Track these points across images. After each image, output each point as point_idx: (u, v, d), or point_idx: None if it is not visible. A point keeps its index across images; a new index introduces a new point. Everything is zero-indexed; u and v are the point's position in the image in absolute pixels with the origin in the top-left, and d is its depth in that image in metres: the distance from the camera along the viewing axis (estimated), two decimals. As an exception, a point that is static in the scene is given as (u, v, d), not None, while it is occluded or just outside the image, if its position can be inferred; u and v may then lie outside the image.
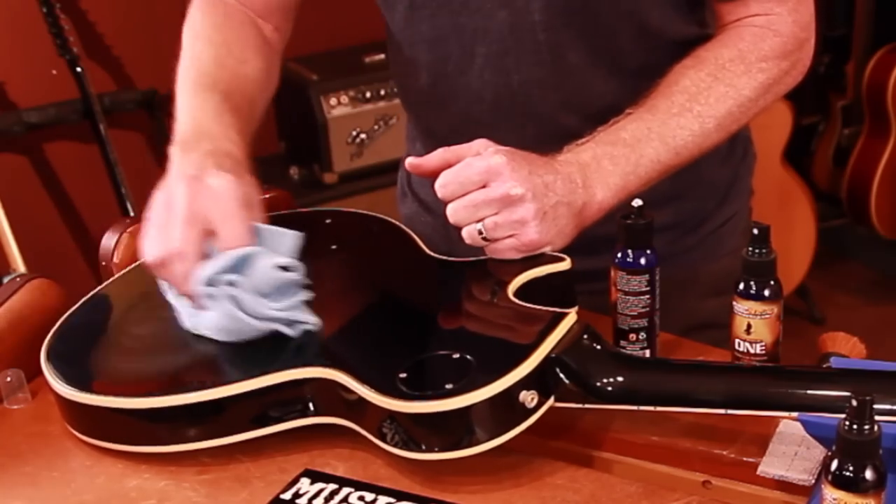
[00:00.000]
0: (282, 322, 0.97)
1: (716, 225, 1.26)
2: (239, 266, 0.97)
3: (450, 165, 1.00)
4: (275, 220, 1.22)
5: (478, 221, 0.99)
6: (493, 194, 0.98)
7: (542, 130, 1.16)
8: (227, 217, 0.97)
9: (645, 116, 1.06)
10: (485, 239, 1.00)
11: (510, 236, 1.00)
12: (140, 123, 2.73)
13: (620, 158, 1.04)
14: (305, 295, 0.99)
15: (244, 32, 1.20)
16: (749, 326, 0.97)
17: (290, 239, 1.01)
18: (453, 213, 1.00)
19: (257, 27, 1.23)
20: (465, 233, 1.01)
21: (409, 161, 1.05)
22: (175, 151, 1.03)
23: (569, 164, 1.03)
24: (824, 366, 0.94)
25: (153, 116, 2.69)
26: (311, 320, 0.98)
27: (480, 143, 1.01)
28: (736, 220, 1.28)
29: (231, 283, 0.96)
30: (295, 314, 0.98)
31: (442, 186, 1.00)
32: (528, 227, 0.99)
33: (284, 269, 0.98)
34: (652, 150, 1.05)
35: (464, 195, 0.99)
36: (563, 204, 1.00)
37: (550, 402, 0.92)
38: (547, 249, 1.02)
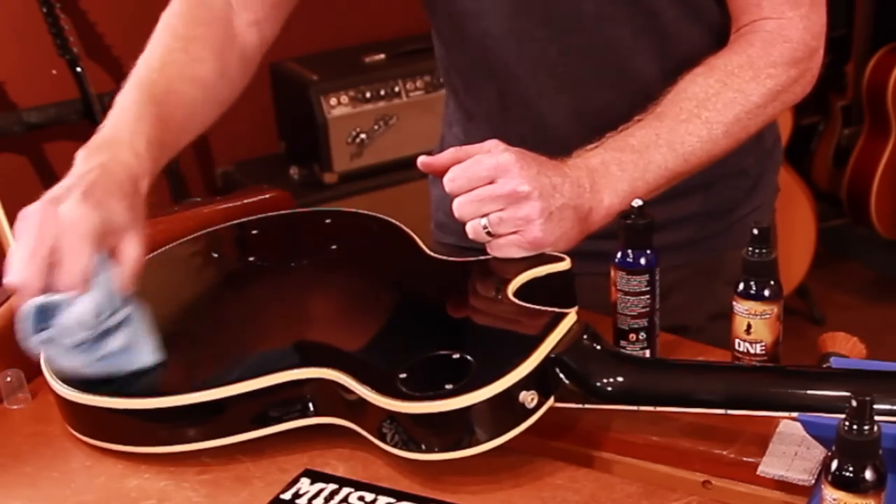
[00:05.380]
0: (105, 367, 0.95)
1: (743, 213, 1.28)
2: (51, 313, 0.94)
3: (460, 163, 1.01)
4: (275, 220, 1.22)
5: (483, 216, 1.00)
6: (500, 190, 0.98)
7: (578, 104, 1.16)
8: (69, 252, 0.93)
9: (653, 123, 1.07)
10: (489, 234, 1.01)
11: (514, 233, 1.00)
12: (140, 123, 2.72)
13: (628, 164, 1.04)
14: (133, 333, 0.97)
15: (211, 30, 1.18)
16: (749, 326, 0.97)
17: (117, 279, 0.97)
18: (459, 206, 1.00)
19: (228, 24, 1.20)
20: (469, 227, 1.01)
21: (421, 160, 1.05)
22: (78, 155, 1.03)
23: (577, 168, 1.03)
24: (824, 366, 0.94)
25: (153, 116, 2.68)
26: (144, 360, 0.96)
27: (492, 143, 1.01)
28: (761, 211, 1.31)
29: (44, 331, 0.94)
30: (115, 360, 0.96)
31: (450, 181, 1.00)
32: (532, 224, 0.99)
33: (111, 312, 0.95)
34: (660, 157, 1.05)
35: (471, 190, 0.99)
36: (569, 207, 1.01)
37: (550, 402, 0.92)
38: (548, 250, 1.02)
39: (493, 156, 0.99)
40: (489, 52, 1.19)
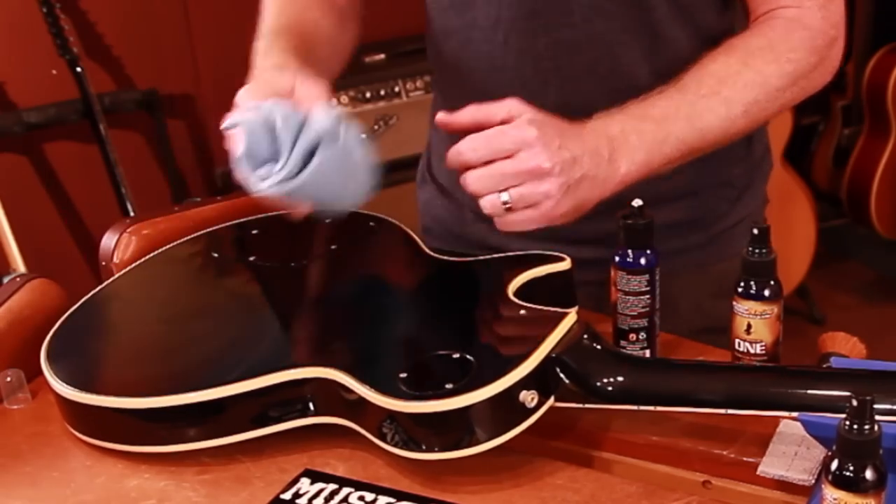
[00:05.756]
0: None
1: (728, 225, 1.26)
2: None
3: (479, 124, 1.00)
4: (275, 220, 1.22)
5: (503, 191, 0.98)
6: (523, 166, 0.97)
7: (562, 100, 1.16)
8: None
9: (675, 95, 1.06)
10: (508, 210, 0.99)
11: (529, 207, 0.99)
12: (140, 123, 2.72)
13: (647, 134, 1.03)
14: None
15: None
16: (749, 326, 0.97)
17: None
18: (477, 180, 0.98)
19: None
20: (486, 201, 0.99)
21: (440, 117, 1.04)
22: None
23: (597, 135, 1.02)
24: (824, 366, 0.94)
25: (153, 116, 2.69)
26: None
27: (512, 105, 1.00)
28: (748, 222, 1.27)
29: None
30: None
31: (472, 150, 0.98)
32: (550, 200, 0.98)
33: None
34: (678, 130, 1.05)
35: (490, 162, 0.98)
36: (587, 178, 1.00)
37: (550, 402, 0.92)
38: (563, 221, 1.01)
39: (517, 129, 0.98)
40: (475, 44, 1.18)
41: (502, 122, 0.99)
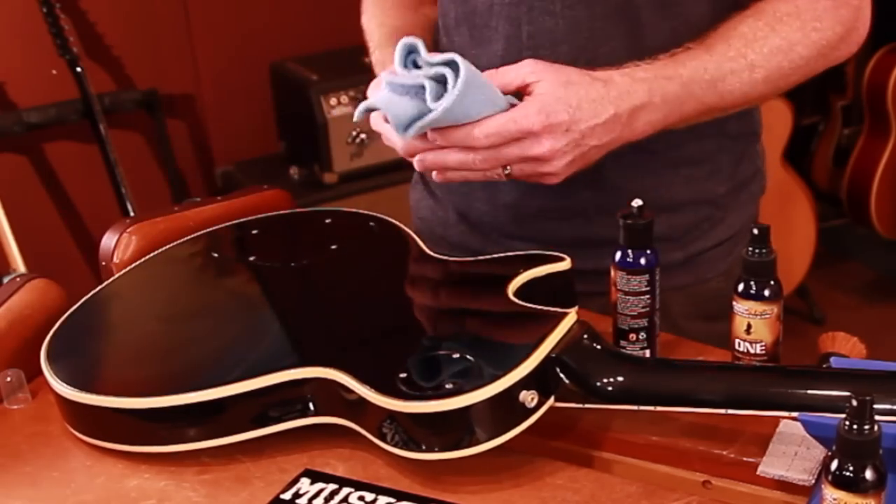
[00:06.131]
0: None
1: (707, 246, 1.22)
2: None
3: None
4: (275, 220, 1.22)
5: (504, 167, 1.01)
6: (528, 153, 1.00)
7: None
8: None
9: (703, 56, 1.06)
10: (507, 175, 1.02)
11: (529, 176, 1.02)
12: (140, 123, 2.73)
13: (671, 96, 1.04)
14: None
15: None
16: (749, 326, 0.97)
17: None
18: (483, 162, 1.00)
19: None
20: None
21: None
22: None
23: (621, 103, 1.02)
24: (824, 366, 0.94)
25: (153, 116, 2.69)
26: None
27: (527, 72, 1.01)
28: (730, 244, 1.24)
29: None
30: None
31: (485, 136, 0.99)
32: (554, 175, 1.02)
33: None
34: (700, 91, 1.05)
35: (500, 146, 0.99)
36: (596, 147, 1.02)
37: (550, 402, 0.92)
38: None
39: (526, 119, 0.98)
40: (478, 30, 1.18)
41: (518, 90, 1.01)
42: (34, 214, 2.61)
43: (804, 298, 3.03)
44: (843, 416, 0.76)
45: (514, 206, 1.20)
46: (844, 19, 1.10)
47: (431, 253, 1.11)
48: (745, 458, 0.91)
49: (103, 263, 1.17)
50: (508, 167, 1.01)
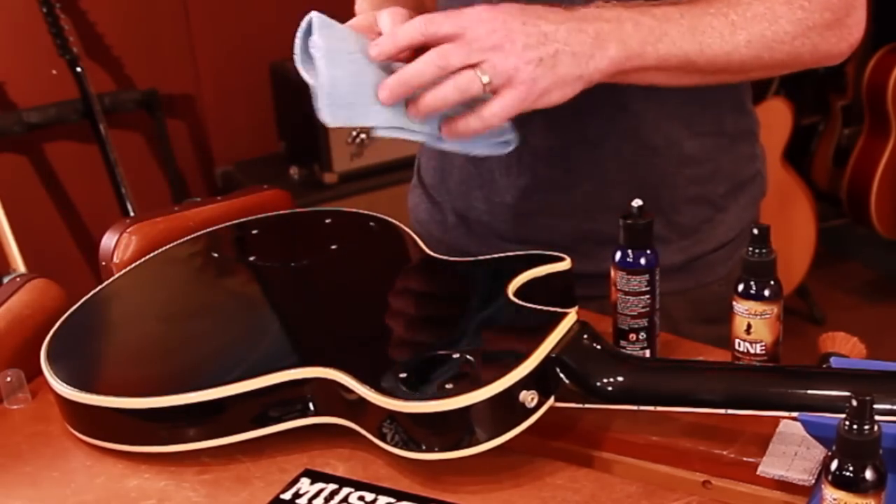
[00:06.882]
0: None
1: (707, 249, 1.22)
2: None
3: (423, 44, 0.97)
4: (275, 220, 1.22)
5: (473, 68, 0.95)
6: (478, 44, 0.94)
7: None
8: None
9: (682, 5, 1.03)
10: (491, 90, 0.95)
11: (509, 86, 0.95)
12: (140, 123, 2.73)
13: (644, 27, 1.00)
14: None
15: None
16: (749, 326, 0.97)
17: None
18: (434, 94, 0.96)
19: None
20: (464, 87, 0.95)
21: (373, 50, 1.03)
22: None
23: (585, 17, 0.99)
24: (824, 366, 0.94)
25: (153, 116, 2.69)
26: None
27: (464, 19, 0.97)
28: (730, 248, 1.23)
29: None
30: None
31: (418, 73, 0.96)
32: (523, 73, 0.95)
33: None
34: (677, 33, 1.01)
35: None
36: (565, 52, 0.96)
37: (550, 402, 0.92)
38: (549, 103, 0.98)
39: (458, 17, 0.95)
40: None
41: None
42: (34, 214, 2.61)
43: (804, 298, 3.03)
44: (843, 416, 0.76)
45: (514, 206, 1.20)
46: (834, 6, 1.07)
47: (432, 253, 1.11)
48: (745, 458, 0.91)
49: (103, 263, 1.17)
50: (484, 74, 0.94)
